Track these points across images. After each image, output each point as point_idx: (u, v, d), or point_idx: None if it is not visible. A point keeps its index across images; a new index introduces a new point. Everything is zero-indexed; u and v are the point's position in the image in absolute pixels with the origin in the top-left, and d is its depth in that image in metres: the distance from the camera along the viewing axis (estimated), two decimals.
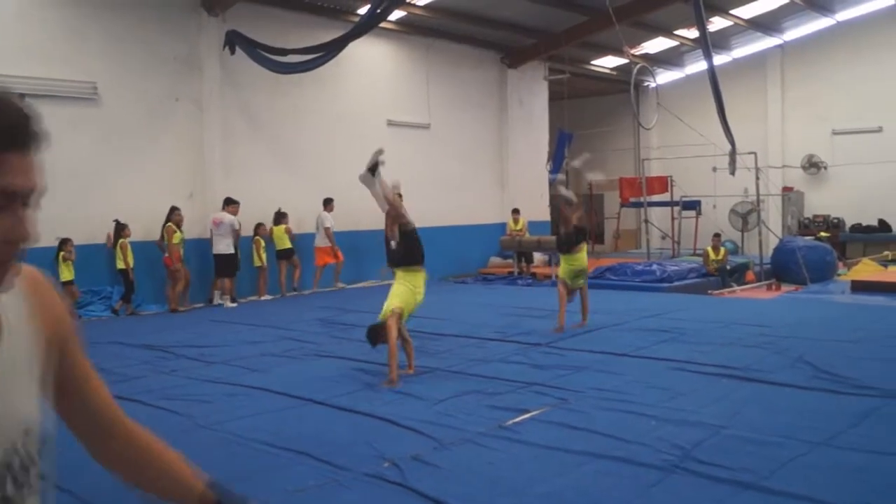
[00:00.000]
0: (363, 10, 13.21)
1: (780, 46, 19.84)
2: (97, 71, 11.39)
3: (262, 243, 12.81)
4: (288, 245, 13.17)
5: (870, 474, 4.14)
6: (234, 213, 12.23)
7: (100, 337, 9.16)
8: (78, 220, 11.12)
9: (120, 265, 11.29)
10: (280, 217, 13.13)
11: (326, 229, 13.52)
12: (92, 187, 11.34)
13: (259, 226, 12.82)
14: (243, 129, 13.23)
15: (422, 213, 14.73)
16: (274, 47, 12.41)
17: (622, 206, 19.34)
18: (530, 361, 7.15)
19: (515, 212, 16.62)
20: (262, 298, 12.77)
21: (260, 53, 12.44)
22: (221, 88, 12.79)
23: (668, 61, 20.65)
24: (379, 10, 11.31)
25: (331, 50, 11.99)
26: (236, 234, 12.08)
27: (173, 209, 11.68)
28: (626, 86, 16.67)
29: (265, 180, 13.35)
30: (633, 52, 19.23)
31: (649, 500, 3.90)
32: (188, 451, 5.04)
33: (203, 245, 12.45)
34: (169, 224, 11.61)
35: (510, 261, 16.45)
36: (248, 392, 6.24)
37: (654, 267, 13.80)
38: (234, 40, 12.52)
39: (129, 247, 11.27)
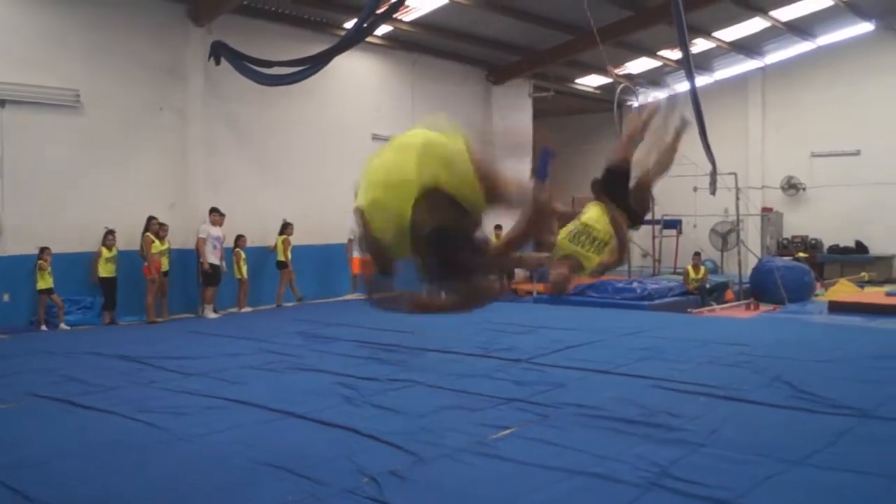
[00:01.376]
0: (349, 24, 13.26)
1: (761, 69, 20.13)
2: (80, 79, 11.34)
3: (243, 255, 12.76)
4: (279, 257, 13.20)
5: (845, 493, 4.19)
6: (215, 224, 12.22)
7: (78, 347, 9.07)
8: (59, 228, 11.04)
9: (101, 273, 11.23)
10: (283, 227, 13.17)
11: (349, 241, 13.75)
12: (73, 196, 11.26)
13: (239, 237, 12.77)
14: (227, 140, 13.19)
15: None
16: (259, 59, 12.42)
17: None
18: (511, 377, 7.15)
19: (498, 228, 16.65)
20: (243, 311, 12.71)
21: (245, 65, 12.44)
22: (206, 99, 12.77)
23: (651, 81, 20.86)
24: (365, 25, 11.36)
25: (316, 63, 12.01)
26: (201, 241, 12.06)
27: (150, 219, 11.63)
28: (610, 105, 16.84)
29: (249, 192, 13.33)
30: (616, 71, 19.44)
31: None
32: (165, 465, 5.00)
33: (185, 255, 12.38)
34: (147, 234, 11.56)
35: (493, 277, 16.44)
36: (227, 405, 6.19)
37: (635, 285, 13.89)
38: (219, 51, 12.51)
39: (102, 254, 11.18)
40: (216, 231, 12.24)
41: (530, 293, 15.27)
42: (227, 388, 6.76)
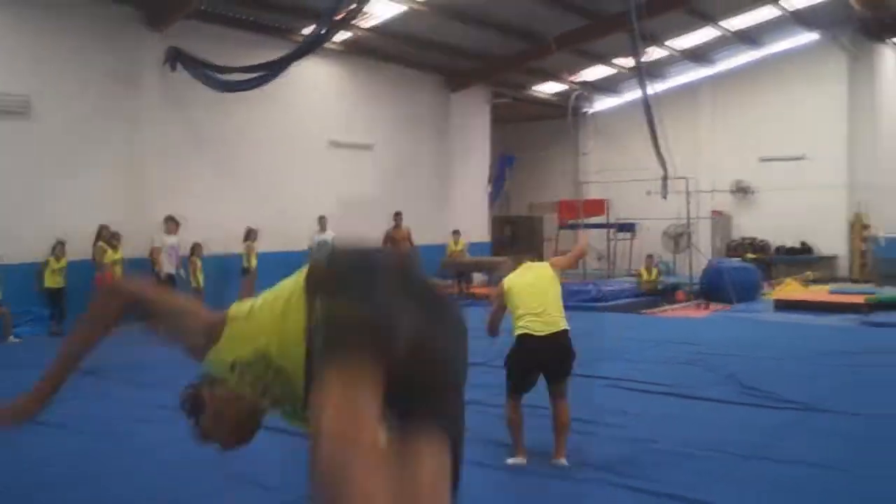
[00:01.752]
0: (308, 30, 13.24)
1: (711, 76, 20.60)
2: (30, 84, 11.10)
3: (199, 264, 12.63)
4: (243, 264, 13.20)
5: (794, 484, 4.36)
6: (170, 232, 12.10)
7: (29, 360, 8.85)
8: (9, 238, 10.77)
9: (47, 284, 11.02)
10: (246, 234, 13.18)
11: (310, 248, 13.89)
12: (24, 205, 11.01)
13: (196, 246, 12.65)
14: (185, 146, 13.04)
15: (363, 234, 14.85)
16: (216, 65, 12.33)
17: (560, 227, 19.73)
18: (467, 381, 7.23)
19: (456, 233, 16.79)
20: None
21: (202, 71, 12.34)
22: (162, 105, 12.62)
23: (606, 88, 21.21)
24: (323, 31, 11.38)
25: (274, 69, 11.98)
26: (155, 250, 11.96)
27: (101, 227, 11.45)
28: (566, 111, 17.13)
29: (208, 199, 13.19)
30: (572, 79, 19.74)
31: None
32: (123, 477, 4.97)
33: (141, 264, 12.17)
34: (99, 243, 11.38)
35: (451, 282, 16.56)
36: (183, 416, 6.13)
37: (590, 287, 14.11)
38: (175, 57, 12.39)
39: (50, 265, 10.96)
40: (171, 239, 12.10)
41: (488, 297, 15.38)
42: None
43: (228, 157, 13.71)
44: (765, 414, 5.91)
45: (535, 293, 5.00)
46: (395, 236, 14.67)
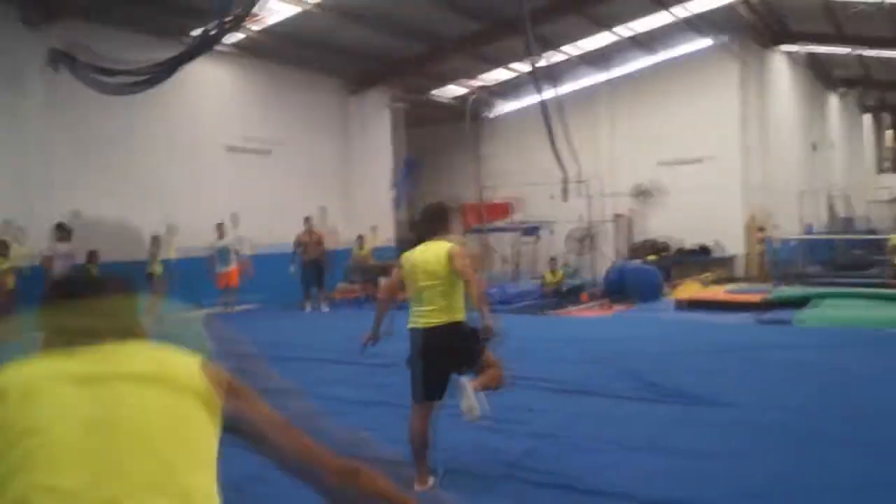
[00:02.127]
0: (199, 31, 12.83)
1: (610, 81, 21.17)
2: None
3: (95, 272, 12.08)
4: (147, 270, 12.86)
5: (681, 472, 4.53)
6: (62, 240, 11.53)
7: None
8: None
9: None
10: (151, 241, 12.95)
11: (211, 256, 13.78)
12: None
13: (92, 253, 12.10)
14: (72, 150, 12.48)
15: (264, 240, 14.58)
16: (103, 67, 11.82)
17: (465, 231, 19.89)
18: (375, 382, 7.19)
19: (360, 237, 16.70)
20: None
21: (87, 74, 11.81)
22: (47, 108, 12.06)
23: (507, 92, 21.53)
24: (214, 32, 11.05)
25: (163, 71, 11.56)
26: (47, 259, 11.41)
27: None
28: (469, 114, 17.32)
29: (97, 204, 12.64)
30: (473, 82, 19.98)
31: None
32: None
33: (35, 273, 11.53)
34: None
35: (357, 285, 16.46)
36: None
37: (495, 290, 14.27)
38: (58, 58, 11.81)
39: None
40: (64, 247, 11.57)
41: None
42: None
43: (119, 160, 13.24)
44: (658, 408, 6.09)
45: (422, 276, 4.39)
46: (305, 240, 14.48)
